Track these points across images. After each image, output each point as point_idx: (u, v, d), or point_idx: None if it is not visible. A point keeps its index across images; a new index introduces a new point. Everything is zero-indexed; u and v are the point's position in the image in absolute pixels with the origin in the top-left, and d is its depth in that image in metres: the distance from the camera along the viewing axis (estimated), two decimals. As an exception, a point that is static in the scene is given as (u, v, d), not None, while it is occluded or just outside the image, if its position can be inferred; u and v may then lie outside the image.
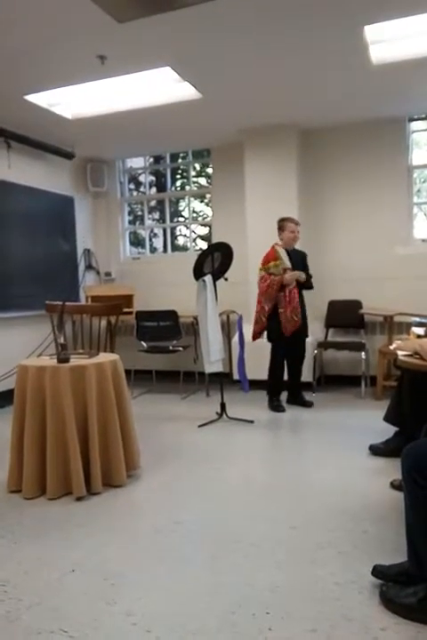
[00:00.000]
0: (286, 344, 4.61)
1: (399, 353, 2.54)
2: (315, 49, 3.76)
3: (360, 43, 3.67)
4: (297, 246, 4.86)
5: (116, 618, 1.79)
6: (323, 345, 5.35)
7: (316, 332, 5.38)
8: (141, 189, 8.05)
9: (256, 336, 4.64)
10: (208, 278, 4.16)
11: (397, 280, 5.32)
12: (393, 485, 2.80)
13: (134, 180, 7.98)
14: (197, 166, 7.78)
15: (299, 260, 4.72)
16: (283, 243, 4.68)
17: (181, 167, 7.81)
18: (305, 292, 4.75)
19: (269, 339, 4.66)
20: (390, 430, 3.37)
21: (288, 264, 4.57)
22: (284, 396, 4.81)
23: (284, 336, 4.53)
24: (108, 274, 6.67)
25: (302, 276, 4.58)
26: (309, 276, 4.75)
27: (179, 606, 1.84)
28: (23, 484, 2.85)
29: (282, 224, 4.69)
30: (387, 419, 3.35)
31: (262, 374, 4.76)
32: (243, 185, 5.68)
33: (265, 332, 4.65)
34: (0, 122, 5.02)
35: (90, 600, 1.90)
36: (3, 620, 1.79)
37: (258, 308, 4.62)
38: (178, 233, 8.81)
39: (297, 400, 4.79)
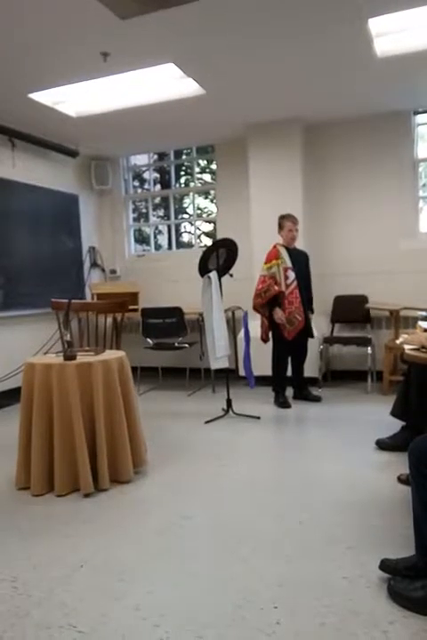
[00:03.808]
0: (289, 343, 4.60)
1: (406, 347, 2.53)
2: (319, 43, 3.74)
3: (365, 36, 3.65)
4: (302, 242, 4.84)
5: (124, 613, 1.80)
6: (329, 340, 5.33)
7: (322, 327, 5.37)
8: (146, 186, 8.06)
9: (264, 339, 4.66)
10: (213, 274, 4.16)
11: (403, 274, 5.29)
12: (400, 480, 2.79)
13: (139, 177, 7.99)
14: (202, 163, 7.77)
15: (301, 260, 4.70)
16: (283, 241, 4.67)
17: (186, 164, 7.81)
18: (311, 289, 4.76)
19: (273, 338, 4.67)
20: (396, 425, 3.36)
21: (289, 263, 4.56)
22: (290, 392, 4.81)
23: (286, 338, 4.54)
24: (113, 271, 6.69)
25: (283, 320, 4.50)
26: (309, 279, 4.78)
27: (187, 601, 1.85)
28: (31, 482, 2.87)
29: (281, 222, 4.68)
30: (394, 413, 3.34)
31: (268, 370, 4.76)
32: (247, 181, 5.67)
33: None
34: (4, 120, 5.03)
35: (98, 595, 1.91)
36: (12, 616, 1.81)
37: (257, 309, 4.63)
38: (183, 230, 8.82)
39: (304, 395, 4.79)
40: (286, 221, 4.64)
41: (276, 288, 4.49)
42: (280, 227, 4.67)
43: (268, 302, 4.54)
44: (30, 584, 2.01)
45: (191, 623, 1.72)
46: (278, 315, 4.48)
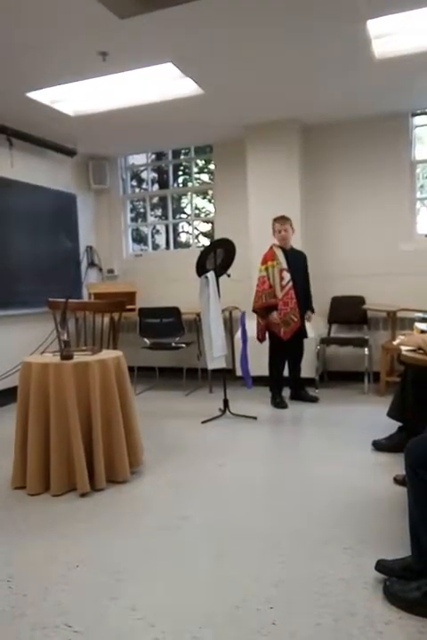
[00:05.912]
0: (285, 343, 4.59)
1: (403, 348, 2.54)
2: (318, 44, 3.74)
3: (363, 37, 3.65)
4: (300, 242, 4.83)
5: (120, 613, 1.79)
6: (326, 341, 5.34)
7: (319, 327, 5.38)
8: (144, 186, 8.05)
9: (260, 339, 4.66)
10: (211, 274, 4.16)
11: (400, 276, 5.30)
12: (396, 481, 2.80)
13: (136, 176, 7.98)
14: (200, 163, 7.76)
15: (298, 261, 4.71)
16: (279, 242, 4.68)
17: (184, 164, 7.80)
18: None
19: (269, 338, 4.67)
20: (393, 426, 3.37)
21: (284, 265, 4.57)
22: (287, 392, 4.81)
23: (282, 338, 4.53)
24: (110, 271, 6.68)
25: (277, 321, 4.53)
26: (307, 279, 4.79)
27: (183, 601, 1.85)
28: (27, 481, 2.86)
29: (272, 225, 4.69)
30: (390, 414, 3.34)
31: (265, 370, 4.76)
32: (245, 181, 5.67)
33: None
34: (2, 119, 5.02)
35: (94, 595, 1.90)
36: (8, 615, 1.80)
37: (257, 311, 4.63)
38: (180, 229, 8.80)
39: (301, 396, 4.80)
40: (274, 223, 4.67)
41: (273, 300, 4.49)
42: (272, 229, 4.69)
43: (265, 308, 4.53)
44: (26, 583, 2.00)
45: (187, 624, 1.72)
46: (274, 317, 4.49)
